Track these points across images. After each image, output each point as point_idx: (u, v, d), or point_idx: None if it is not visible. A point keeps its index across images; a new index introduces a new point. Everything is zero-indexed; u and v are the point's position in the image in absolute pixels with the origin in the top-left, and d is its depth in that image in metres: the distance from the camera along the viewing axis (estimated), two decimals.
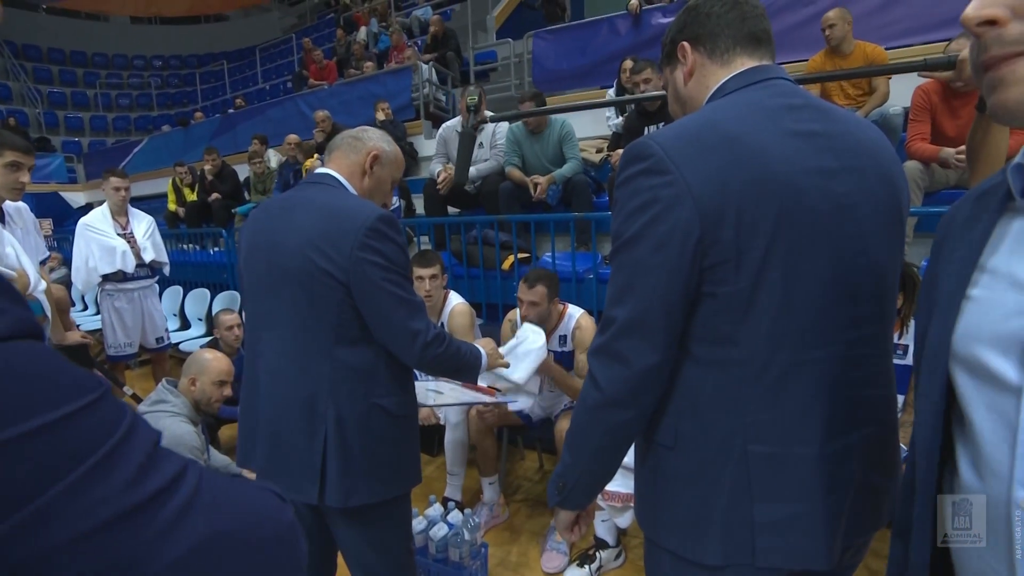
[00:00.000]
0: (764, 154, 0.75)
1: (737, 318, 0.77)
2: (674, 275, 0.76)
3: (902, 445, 1.74)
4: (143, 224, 3.54)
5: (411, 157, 5.69)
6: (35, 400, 0.31)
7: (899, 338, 1.90)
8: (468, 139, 1.63)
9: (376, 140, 1.35)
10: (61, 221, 9.18)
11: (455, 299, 2.71)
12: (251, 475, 2.11)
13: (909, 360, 1.89)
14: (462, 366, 1.38)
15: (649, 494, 0.89)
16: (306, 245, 1.18)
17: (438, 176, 3.85)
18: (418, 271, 2.52)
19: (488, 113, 2.40)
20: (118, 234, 3.39)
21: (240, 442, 1.34)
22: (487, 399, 1.99)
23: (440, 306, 2.67)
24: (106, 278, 3.34)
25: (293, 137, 5.64)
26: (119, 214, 3.45)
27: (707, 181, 0.75)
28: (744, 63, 0.87)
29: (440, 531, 2.02)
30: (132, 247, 3.40)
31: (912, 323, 1.88)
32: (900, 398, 1.91)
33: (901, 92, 3.18)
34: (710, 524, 0.80)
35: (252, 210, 1.38)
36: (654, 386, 0.82)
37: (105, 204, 3.46)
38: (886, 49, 3.48)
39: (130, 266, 3.38)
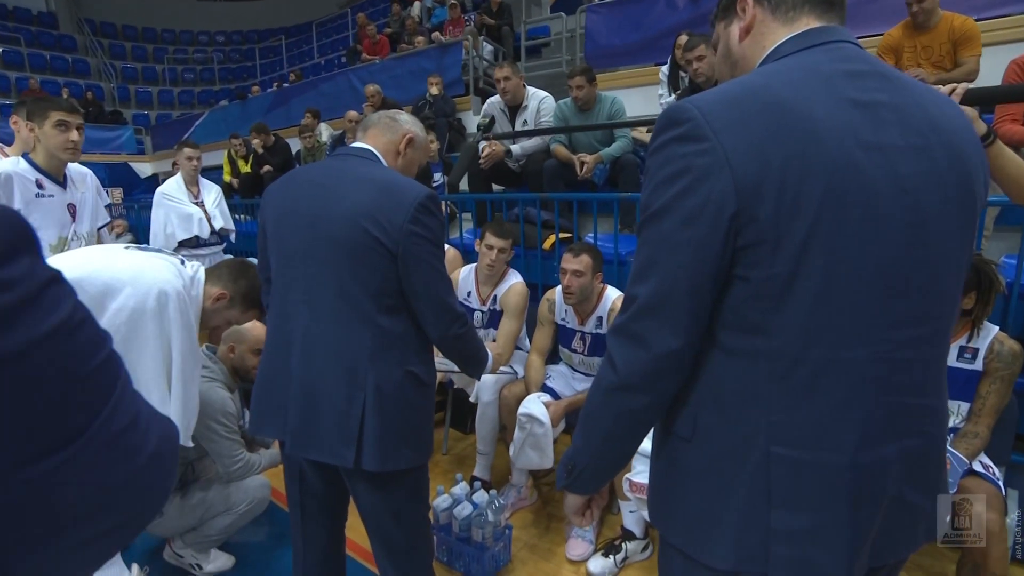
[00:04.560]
0: (815, 124, 0.67)
1: (770, 306, 0.70)
2: (703, 253, 0.70)
3: (962, 458, 1.62)
4: (212, 193, 3.76)
5: (459, 133, 5.65)
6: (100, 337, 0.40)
7: (968, 341, 1.74)
8: (471, 151, 1.68)
9: (410, 124, 1.43)
10: (130, 191, 9.66)
11: (515, 277, 2.68)
12: (275, 445, 2.17)
13: (979, 365, 1.73)
14: (472, 356, 1.45)
15: (662, 487, 0.85)
16: (359, 215, 1.21)
17: (482, 152, 3.80)
18: (491, 239, 2.51)
19: (499, 145, 2.31)
20: (192, 203, 3.61)
21: (258, 406, 1.35)
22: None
23: (498, 279, 2.65)
24: (182, 244, 3.55)
25: (353, 114, 5.66)
26: (191, 184, 3.67)
27: (748, 150, 0.67)
28: (808, 24, 0.78)
29: (464, 510, 2.01)
30: (204, 215, 3.62)
31: (984, 326, 1.72)
32: (962, 404, 1.76)
33: (993, 68, 2.80)
34: (722, 524, 0.74)
35: (280, 178, 1.40)
36: (673, 373, 0.76)
37: (179, 174, 3.68)
38: (977, 21, 3.11)
39: (205, 232, 3.61)
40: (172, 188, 3.62)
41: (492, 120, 1.73)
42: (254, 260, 1.59)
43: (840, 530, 0.70)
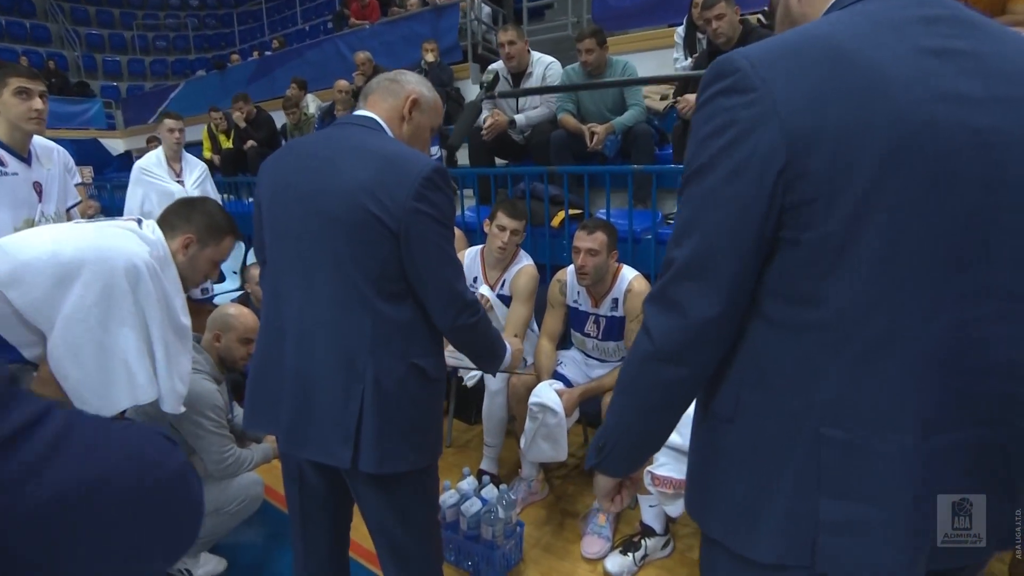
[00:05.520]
0: (881, 74, 0.65)
1: (823, 271, 0.68)
2: (748, 210, 0.68)
3: None
4: (196, 171, 3.67)
5: (457, 103, 5.59)
6: None
7: None
8: (473, 110, 1.66)
9: (415, 84, 1.36)
10: (101, 169, 9.59)
11: (525, 259, 2.68)
12: (272, 440, 2.17)
13: None
14: (486, 349, 1.40)
15: (700, 473, 0.83)
16: (359, 191, 1.18)
17: (484, 123, 3.77)
18: (504, 220, 2.50)
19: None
20: (174, 180, 3.53)
21: (252, 400, 1.35)
22: (508, 369, 1.97)
23: (508, 262, 2.64)
24: None
25: (343, 84, 5.58)
26: (174, 160, 3.60)
27: (800, 99, 0.65)
28: None
29: (473, 506, 2.02)
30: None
31: None
32: None
33: None
34: (766, 514, 0.72)
35: (277, 150, 1.37)
36: (713, 343, 0.75)
37: (160, 148, 3.61)
38: None
39: None
40: (152, 163, 3.53)
41: (496, 77, 1.72)
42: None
43: (898, 525, 0.68)
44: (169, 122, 3.56)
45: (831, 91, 0.65)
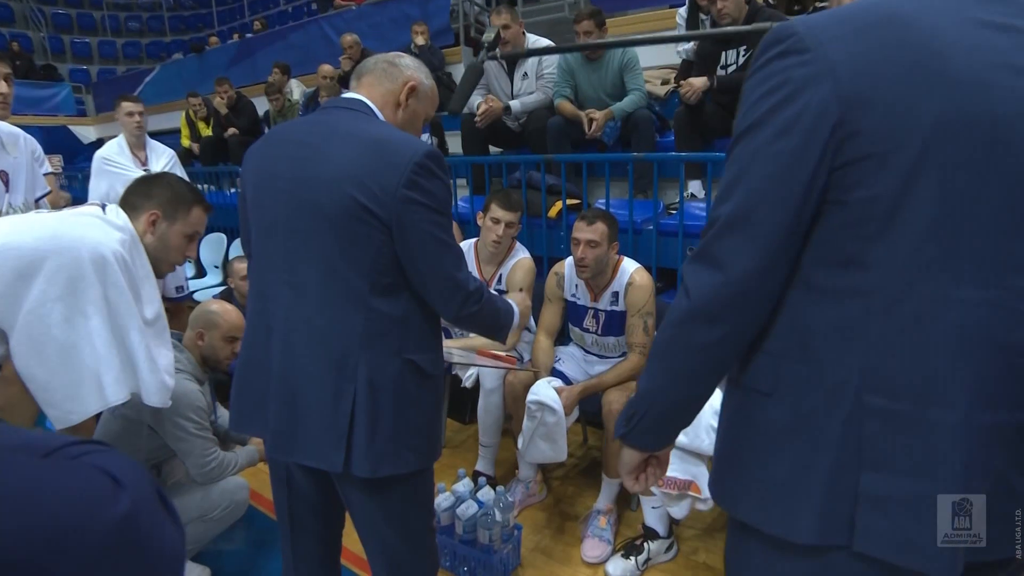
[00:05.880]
0: (940, 38, 0.67)
1: (871, 233, 0.69)
2: (796, 165, 0.70)
3: None
4: (163, 159, 3.54)
5: (448, 89, 5.55)
6: None
7: None
8: (474, 72, 1.65)
9: (413, 70, 1.35)
10: (71, 158, 9.48)
11: (522, 251, 2.66)
12: (258, 443, 2.15)
13: None
14: (495, 325, 1.39)
15: (732, 454, 0.83)
16: (346, 179, 1.15)
17: (477, 109, 3.74)
18: (498, 212, 2.48)
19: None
20: (139, 169, 3.38)
21: (238, 402, 1.33)
22: (504, 366, 1.97)
23: (504, 256, 2.62)
24: None
25: (327, 68, 5.53)
26: (137, 147, 3.46)
27: (856, 60, 0.68)
28: None
29: (469, 509, 2.01)
30: None
31: None
32: None
33: None
34: (807, 492, 0.72)
35: (261, 137, 1.34)
36: (753, 302, 0.76)
37: (121, 136, 3.47)
38: None
39: None
40: (113, 152, 3.39)
41: (498, 35, 1.68)
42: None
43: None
44: (126, 105, 3.37)
45: (889, 52, 0.67)
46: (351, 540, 1.47)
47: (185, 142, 6.52)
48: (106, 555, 0.37)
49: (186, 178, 3.58)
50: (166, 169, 3.48)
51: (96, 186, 3.36)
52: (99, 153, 3.40)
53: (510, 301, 1.45)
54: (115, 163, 3.36)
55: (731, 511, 0.83)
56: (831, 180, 0.70)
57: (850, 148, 0.68)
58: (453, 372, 2.79)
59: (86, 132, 10.88)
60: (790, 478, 0.74)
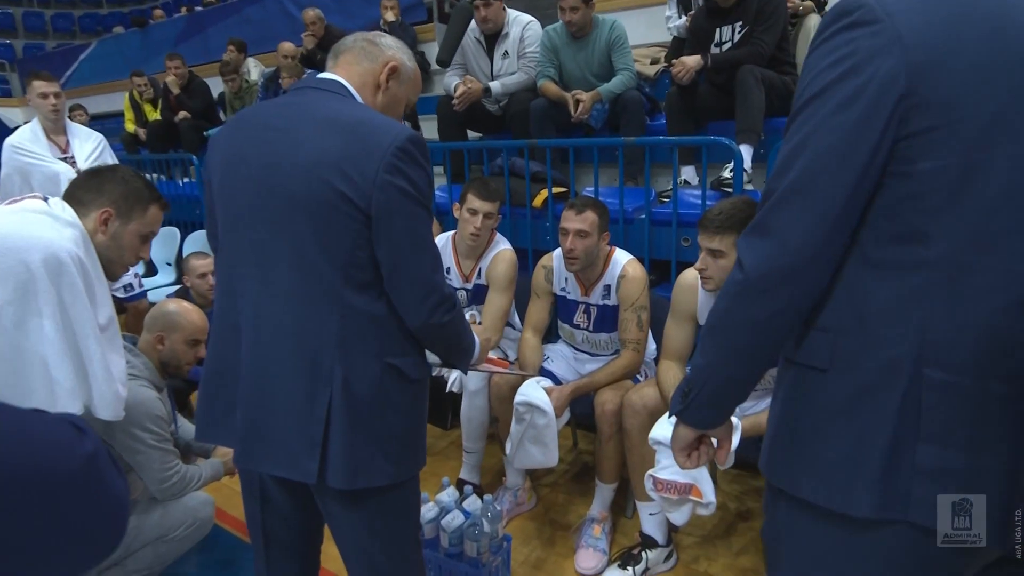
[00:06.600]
0: (1011, 12, 0.71)
1: (936, 205, 0.72)
2: (860, 135, 0.73)
3: None
4: (88, 144, 3.34)
5: (422, 70, 5.51)
6: None
7: None
8: (463, 14, 1.62)
9: (395, 50, 1.35)
10: None
11: (502, 243, 2.64)
12: (226, 452, 2.11)
13: None
14: (456, 345, 1.38)
15: (787, 431, 0.87)
16: (321, 165, 1.14)
17: (455, 91, 3.71)
18: (474, 202, 2.46)
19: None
20: (58, 158, 3.20)
21: (204, 407, 1.30)
22: (497, 370, 1.95)
23: (483, 249, 2.60)
24: None
25: (288, 47, 5.42)
26: (55, 132, 3.24)
27: (926, 30, 0.71)
28: None
29: (455, 520, 2.00)
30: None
31: None
32: None
33: None
34: (865, 466, 0.77)
35: (230, 118, 1.31)
36: (810, 275, 0.79)
37: (35, 120, 3.26)
38: None
39: None
40: (26, 138, 3.18)
41: None
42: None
43: (1000, 478, 0.73)
44: (39, 84, 3.12)
45: (959, 23, 0.71)
46: (330, 557, 1.45)
47: (130, 126, 6.39)
48: (75, 490, 0.45)
49: (112, 161, 3.45)
50: (94, 156, 3.34)
51: (7, 176, 3.14)
52: (9, 141, 3.16)
53: (475, 336, 1.45)
54: (28, 152, 3.15)
55: (790, 489, 0.86)
56: (894, 152, 0.73)
57: (916, 119, 0.71)
58: (435, 374, 2.78)
59: (12, 115, 10.51)
60: (850, 453, 0.78)
